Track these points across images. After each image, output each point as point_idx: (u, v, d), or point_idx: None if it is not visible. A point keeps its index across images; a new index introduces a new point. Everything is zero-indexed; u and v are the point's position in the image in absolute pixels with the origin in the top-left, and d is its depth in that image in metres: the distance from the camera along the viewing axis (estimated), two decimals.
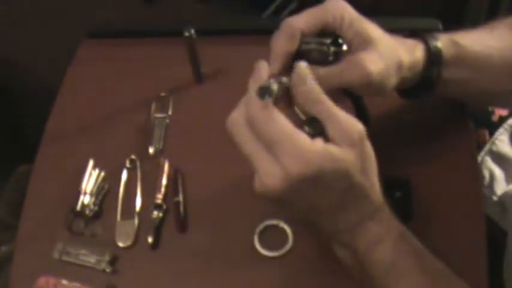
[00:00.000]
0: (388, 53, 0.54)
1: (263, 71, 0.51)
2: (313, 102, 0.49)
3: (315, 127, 0.48)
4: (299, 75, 0.50)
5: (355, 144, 0.48)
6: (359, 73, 0.53)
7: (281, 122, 0.47)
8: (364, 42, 0.54)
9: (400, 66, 0.55)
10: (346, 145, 0.48)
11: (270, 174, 0.47)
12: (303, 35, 0.54)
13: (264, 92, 0.47)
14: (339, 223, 0.51)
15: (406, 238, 0.53)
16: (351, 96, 0.58)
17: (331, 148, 0.47)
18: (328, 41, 0.54)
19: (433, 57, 0.58)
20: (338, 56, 0.55)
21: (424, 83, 0.59)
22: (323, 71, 0.53)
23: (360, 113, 0.59)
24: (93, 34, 0.86)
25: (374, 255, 0.52)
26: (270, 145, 0.47)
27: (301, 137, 0.47)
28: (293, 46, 0.53)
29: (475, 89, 0.62)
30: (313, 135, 0.48)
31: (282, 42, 0.53)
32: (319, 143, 0.47)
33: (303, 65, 0.50)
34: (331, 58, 0.54)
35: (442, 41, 0.59)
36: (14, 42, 1.19)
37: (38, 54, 1.19)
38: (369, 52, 0.53)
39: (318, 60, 0.54)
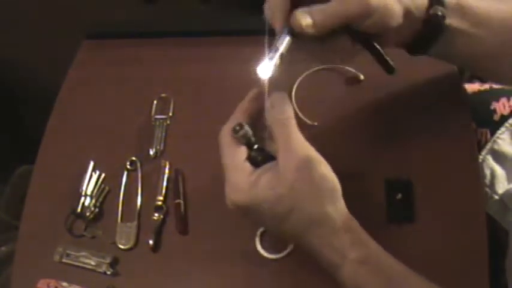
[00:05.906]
0: None
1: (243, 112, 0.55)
2: (277, 124, 0.53)
3: (257, 155, 0.53)
4: (277, 97, 0.53)
5: (298, 171, 0.50)
6: (357, 1, 0.53)
7: (232, 154, 0.53)
8: None
9: None
10: (286, 172, 0.51)
11: (226, 194, 0.53)
12: None
13: (238, 130, 0.53)
14: (303, 246, 0.54)
15: (369, 261, 0.53)
16: (368, 46, 0.58)
17: (263, 178, 0.51)
18: None
19: None
20: None
21: (431, 27, 0.58)
22: (322, 8, 0.53)
23: (381, 62, 0.59)
24: (93, 35, 0.86)
25: (336, 279, 0.54)
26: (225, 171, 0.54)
27: (241, 170, 0.52)
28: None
29: (477, 48, 0.61)
30: (257, 162, 0.53)
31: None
32: (253, 175, 0.52)
33: (282, 93, 0.54)
34: None
35: None
36: (14, 43, 1.18)
37: (38, 54, 1.19)
38: None
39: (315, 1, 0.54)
